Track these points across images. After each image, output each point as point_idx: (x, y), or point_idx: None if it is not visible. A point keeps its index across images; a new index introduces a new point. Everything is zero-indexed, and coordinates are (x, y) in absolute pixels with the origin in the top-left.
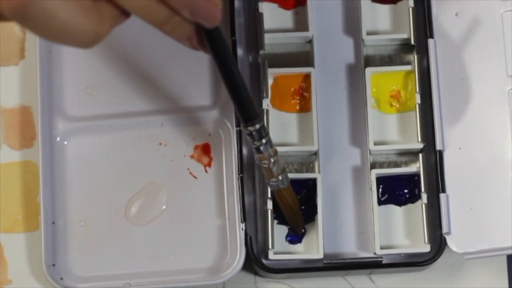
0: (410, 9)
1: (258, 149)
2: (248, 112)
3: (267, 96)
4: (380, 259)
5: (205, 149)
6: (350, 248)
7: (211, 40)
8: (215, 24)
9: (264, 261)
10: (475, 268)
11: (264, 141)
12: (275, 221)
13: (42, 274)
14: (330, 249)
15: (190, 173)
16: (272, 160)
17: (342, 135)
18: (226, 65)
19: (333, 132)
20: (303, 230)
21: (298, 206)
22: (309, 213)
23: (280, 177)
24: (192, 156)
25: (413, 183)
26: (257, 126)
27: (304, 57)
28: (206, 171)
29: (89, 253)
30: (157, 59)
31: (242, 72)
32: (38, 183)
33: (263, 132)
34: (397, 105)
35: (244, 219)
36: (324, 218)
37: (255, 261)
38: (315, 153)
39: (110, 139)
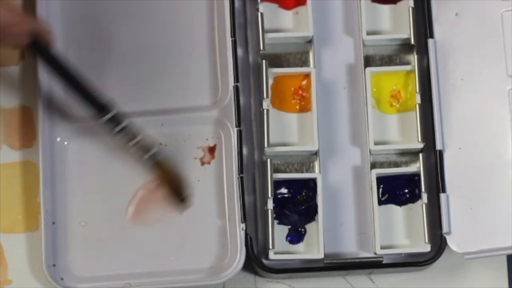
0: (410, 9)
1: (119, 135)
2: (96, 106)
3: (267, 96)
4: (381, 259)
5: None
6: (351, 248)
7: (42, 53)
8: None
9: (264, 261)
10: (475, 268)
11: (122, 126)
12: (275, 221)
13: (42, 274)
14: (330, 249)
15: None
16: (136, 140)
17: (342, 135)
18: (63, 72)
19: (333, 132)
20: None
21: (179, 174)
22: (309, 213)
23: (150, 153)
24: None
25: (413, 183)
26: (109, 116)
27: (304, 57)
28: (202, 163)
29: (89, 253)
30: (157, 59)
31: (242, 72)
32: (38, 183)
33: (119, 119)
34: (397, 105)
35: (244, 219)
36: (324, 218)
37: (255, 261)
38: (315, 153)
39: (110, 139)
